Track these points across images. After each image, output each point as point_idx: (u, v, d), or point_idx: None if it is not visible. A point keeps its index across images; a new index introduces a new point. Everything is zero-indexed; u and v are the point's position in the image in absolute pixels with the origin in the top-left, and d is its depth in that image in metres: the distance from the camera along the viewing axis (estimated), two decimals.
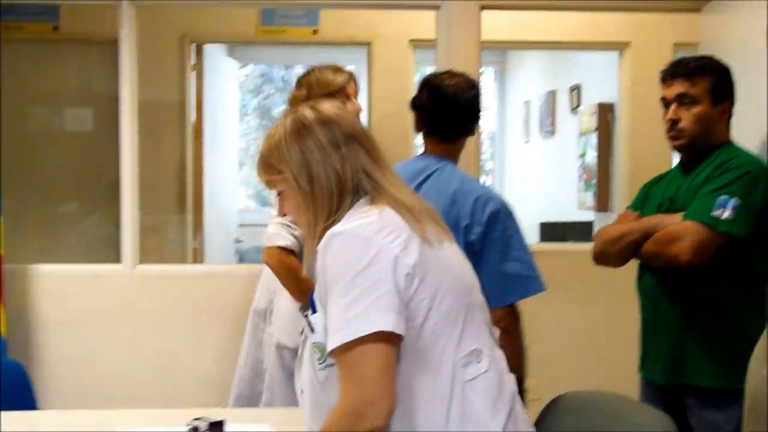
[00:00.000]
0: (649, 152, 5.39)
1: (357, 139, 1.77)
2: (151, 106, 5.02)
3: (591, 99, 6.25)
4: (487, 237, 2.51)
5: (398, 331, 1.58)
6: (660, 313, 2.67)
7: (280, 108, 9.24)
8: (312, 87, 3.08)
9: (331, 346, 1.58)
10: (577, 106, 6.56)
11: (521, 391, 2.51)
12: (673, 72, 2.66)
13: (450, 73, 2.72)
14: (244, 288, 4.18)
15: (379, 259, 1.60)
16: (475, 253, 2.46)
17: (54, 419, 2.50)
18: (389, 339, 1.57)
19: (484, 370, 1.69)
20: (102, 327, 4.12)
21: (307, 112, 1.78)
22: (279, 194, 1.82)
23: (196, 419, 1.98)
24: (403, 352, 1.62)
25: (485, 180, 8.61)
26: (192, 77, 5.59)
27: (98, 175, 5.31)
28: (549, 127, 7.19)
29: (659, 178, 2.86)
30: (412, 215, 1.71)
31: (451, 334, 1.66)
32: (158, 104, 5.40)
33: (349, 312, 1.57)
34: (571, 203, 6.61)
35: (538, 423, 2.08)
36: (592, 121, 6.10)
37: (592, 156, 6.16)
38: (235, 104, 7.13)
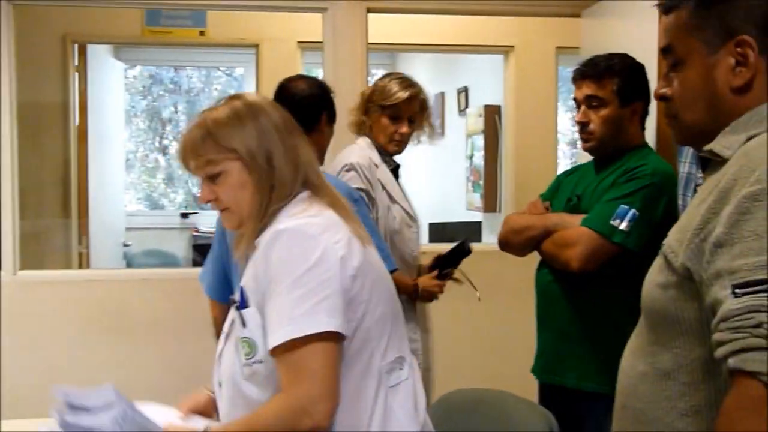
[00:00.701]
0: (534, 153, 5.55)
1: (301, 133, 1.79)
2: (32, 107, 4.87)
3: (478, 101, 6.35)
4: None
5: (344, 332, 1.58)
6: (550, 309, 2.67)
7: (169, 110, 9.08)
8: (374, 92, 3.20)
9: (275, 342, 1.56)
10: (465, 107, 6.67)
11: None
12: (582, 73, 2.62)
13: (297, 77, 2.90)
14: (131, 292, 4.11)
15: (326, 258, 1.59)
16: None
17: None
18: (335, 339, 1.57)
19: (404, 377, 1.71)
20: None
21: (253, 97, 1.79)
22: (211, 177, 1.75)
23: None
24: None
25: None
26: (75, 78, 5.44)
27: None
28: (438, 128, 7.28)
29: (574, 170, 2.85)
30: (349, 216, 1.72)
31: (380, 339, 1.67)
32: (40, 106, 5.24)
33: (296, 309, 1.55)
34: (460, 204, 6.71)
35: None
36: (479, 123, 6.21)
37: (479, 157, 6.27)
38: (122, 106, 6.99)
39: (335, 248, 1.61)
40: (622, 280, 2.49)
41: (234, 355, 1.71)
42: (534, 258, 2.76)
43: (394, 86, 3.17)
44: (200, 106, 9.05)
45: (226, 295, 2.45)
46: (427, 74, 7.78)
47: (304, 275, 1.57)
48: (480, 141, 6.22)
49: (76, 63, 5.47)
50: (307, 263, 1.58)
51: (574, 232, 2.51)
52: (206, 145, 1.72)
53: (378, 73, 8.56)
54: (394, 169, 3.31)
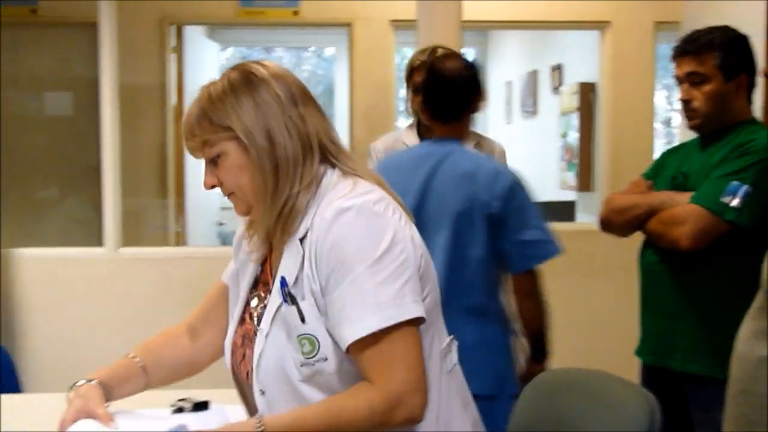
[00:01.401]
0: (631, 132, 5.42)
1: (312, 100, 1.58)
2: (131, 89, 4.99)
3: (573, 78, 6.25)
4: (506, 208, 2.59)
5: (426, 317, 1.46)
6: (656, 291, 2.61)
7: None
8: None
9: (360, 332, 1.41)
10: (559, 85, 6.56)
11: (545, 346, 2.72)
12: (682, 49, 2.53)
13: (450, 55, 2.77)
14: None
15: (400, 237, 1.46)
16: (496, 224, 2.58)
17: (37, 402, 2.50)
18: (418, 324, 1.45)
19: (455, 361, 1.62)
20: (84, 310, 4.12)
21: (252, 66, 1.56)
22: (213, 160, 1.57)
23: (180, 400, 1.97)
24: None
25: None
26: (172, 60, 5.55)
27: (78, 159, 5.28)
28: (531, 107, 7.20)
29: (678, 148, 2.77)
30: (387, 190, 1.58)
31: (437, 320, 1.58)
32: (138, 87, 5.36)
33: (382, 295, 1.41)
34: (553, 183, 6.62)
35: (520, 401, 2.09)
36: (573, 101, 6.11)
37: (573, 136, 6.17)
38: None
39: (402, 226, 1.49)
40: (732, 258, 2.44)
41: (280, 358, 1.54)
42: (630, 237, 2.70)
43: (413, 59, 3.09)
44: None
45: None
46: (520, 52, 7.71)
47: (383, 257, 1.42)
48: (574, 119, 6.12)
49: (173, 44, 5.58)
50: (384, 243, 1.43)
51: (683, 210, 2.43)
52: (201, 125, 1.54)
53: (468, 52, 8.53)
54: None
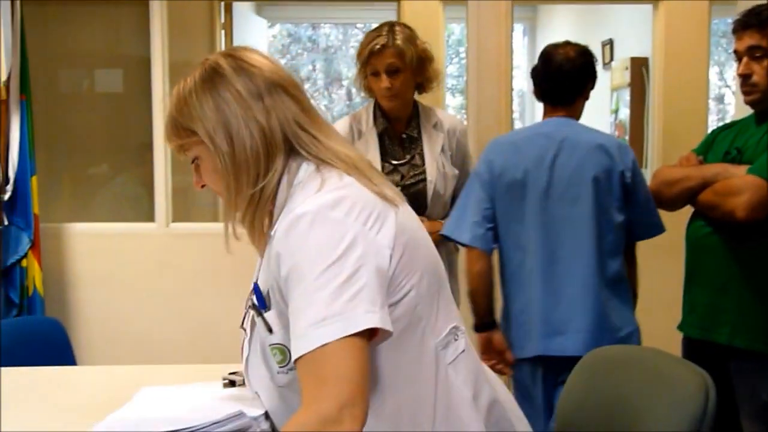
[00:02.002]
0: (684, 108, 5.33)
1: (283, 87, 1.50)
2: (181, 66, 5.01)
3: (624, 53, 6.16)
4: (635, 180, 2.74)
5: (386, 326, 1.34)
6: (706, 263, 2.59)
7: (307, 68, 9.21)
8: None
9: (303, 349, 1.30)
10: (610, 61, 6.47)
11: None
12: (744, 23, 2.50)
13: (564, 44, 2.92)
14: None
15: (355, 243, 1.35)
16: (628, 193, 2.74)
17: (91, 374, 2.54)
18: (366, 336, 1.32)
19: (462, 348, 1.53)
20: (136, 284, 4.17)
21: (221, 59, 1.53)
22: (193, 162, 1.56)
23: (232, 373, 1.99)
24: (383, 344, 1.40)
25: None
26: (221, 36, 5.57)
27: (129, 135, 5.33)
28: None
29: (730, 125, 2.75)
30: (373, 174, 1.49)
31: (430, 313, 1.48)
32: (188, 64, 5.35)
33: (327, 309, 1.30)
34: None
35: (571, 379, 2.08)
36: (625, 77, 6.03)
37: (625, 112, 6.09)
38: None
39: (364, 230, 1.37)
40: None
41: (262, 363, 1.53)
42: (676, 214, 2.72)
43: (364, 40, 3.06)
44: (337, 65, 9.15)
45: (490, 243, 2.81)
46: (569, 27, 7.61)
47: (333, 266, 1.32)
48: (626, 95, 6.03)
49: (223, 21, 5.60)
50: (336, 252, 1.33)
51: (740, 181, 2.42)
52: (174, 130, 1.53)
53: (517, 28, 8.44)
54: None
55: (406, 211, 1.51)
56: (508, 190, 2.76)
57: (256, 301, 1.49)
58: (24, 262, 3.91)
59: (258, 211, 1.49)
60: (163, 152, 4.15)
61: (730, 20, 2.78)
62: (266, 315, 1.46)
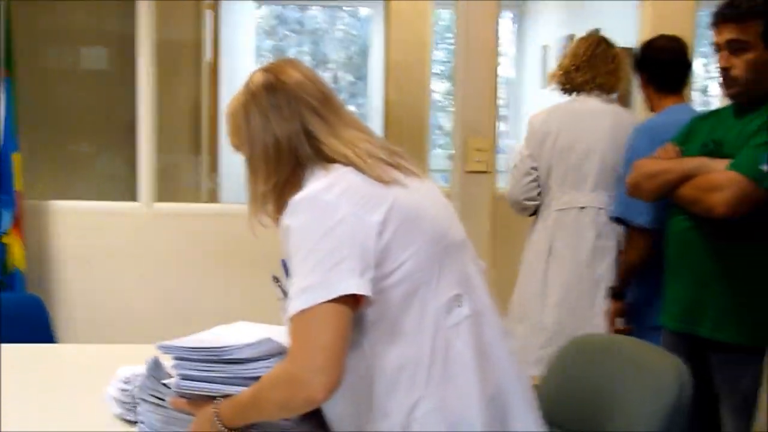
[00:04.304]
0: None
1: (303, 101, 1.71)
2: (167, 45, 4.99)
3: None
4: None
5: (362, 291, 1.50)
6: (686, 257, 2.59)
7: (294, 50, 9.18)
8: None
9: (290, 311, 1.49)
10: None
11: None
12: (723, 15, 2.48)
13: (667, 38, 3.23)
14: (258, 226, 4.21)
15: (342, 221, 1.53)
16: None
17: (72, 352, 2.54)
18: (348, 304, 1.49)
19: (466, 314, 1.63)
20: (119, 263, 4.17)
21: (256, 76, 1.75)
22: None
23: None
24: (378, 316, 1.56)
25: (500, 125, 8.55)
26: (208, 16, 5.54)
27: (113, 114, 5.30)
28: None
29: (707, 115, 2.74)
30: (365, 161, 1.64)
31: (430, 280, 1.60)
32: (174, 43, 5.36)
33: (310, 278, 1.49)
34: None
35: (550, 366, 2.10)
36: None
37: None
38: (252, 45, 7.09)
39: (351, 209, 1.55)
40: (764, 229, 2.43)
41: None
42: None
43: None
44: (324, 48, 9.15)
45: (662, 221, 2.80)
46: (558, 16, 7.61)
47: (318, 242, 1.52)
48: None
49: (209, 1, 5.57)
50: (320, 230, 1.53)
51: (722, 176, 2.40)
52: (228, 133, 1.79)
53: (505, 15, 8.43)
54: None
55: (417, 188, 1.68)
56: None
57: (283, 270, 1.67)
58: (6, 239, 3.90)
59: (273, 203, 1.70)
60: (148, 130, 4.14)
61: None
62: (283, 283, 1.67)
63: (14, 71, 4.00)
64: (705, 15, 5.70)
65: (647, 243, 2.90)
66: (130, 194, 4.31)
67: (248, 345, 1.65)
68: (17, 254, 3.92)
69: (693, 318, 2.58)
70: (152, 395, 1.74)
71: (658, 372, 1.85)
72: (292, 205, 1.58)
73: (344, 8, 8.74)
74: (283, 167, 1.69)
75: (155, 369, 1.75)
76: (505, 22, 8.52)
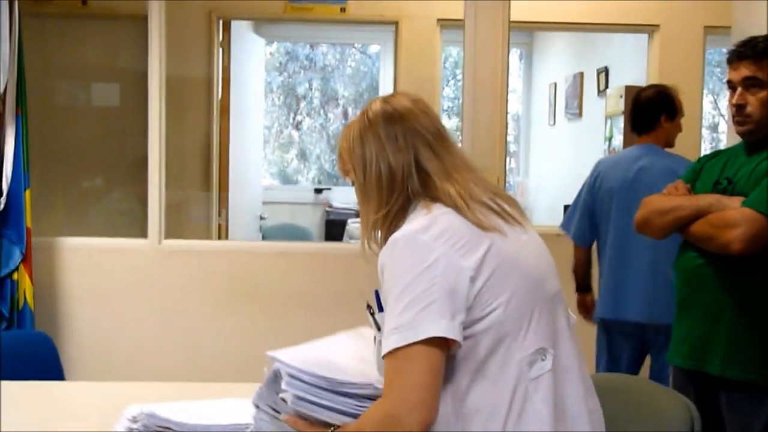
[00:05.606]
0: (678, 136, 5.34)
1: (419, 134, 1.76)
2: (178, 82, 5.03)
3: (619, 81, 6.19)
4: None
5: (451, 336, 1.54)
6: (698, 294, 2.57)
7: (303, 86, 9.22)
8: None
9: (383, 351, 1.56)
10: (605, 88, 6.50)
11: None
12: (740, 53, 2.51)
13: (650, 86, 3.84)
14: (267, 264, 4.21)
15: (436, 263, 1.57)
16: None
17: (80, 390, 2.53)
18: (439, 345, 1.53)
19: (548, 368, 1.64)
20: (127, 300, 4.16)
21: (375, 105, 1.81)
22: (352, 184, 1.85)
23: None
24: (464, 356, 1.59)
25: (509, 162, 8.56)
26: (219, 53, 5.59)
27: (124, 150, 5.34)
28: (575, 109, 7.14)
29: (717, 153, 2.74)
30: (467, 204, 1.67)
31: (518, 330, 1.62)
32: (185, 80, 5.41)
33: (402, 317, 1.54)
34: None
35: None
36: (619, 104, 6.05)
37: (618, 139, 6.11)
38: (261, 82, 7.13)
39: (447, 252, 1.58)
40: None
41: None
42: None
43: None
44: (334, 84, 9.20)
45: (588, 241, 3.74)
46: (565, 54, 7.65)
47: (411, 283, 1.56)
48: (620, 122, 6.05)
49: (221, 38, 5.62)
50: (415, 271, 1.57)
51: (736, 213, 2.40)
52: (339, 158, 1.86)
53: (513, 53, 8.48)
54: None
55: (516, 236, 1.70)
56: None
57: (376, 304, 1.73)
58: (15, 276, 3.90)
59: (384, 232, 1.74)
60: (158, 167, 4.15)
61: (724, 50, 2.79)
62: (377, 316, 1.71)
63: (26, 108, 4.03)
64: (713, 53, 5.72)
65: (579, 254, 3.76)
66: (142, 230, 4.31)
67: (369, 384, 1.67)
68: (26, 291, 3.92)
69: (703, 355, 2.56)
70: (268, 404, 1.75)
71: (668, 413, 1.83)
72: (390, 243, 1.63)
73: (354, 45, 8.80)
74: (395, 197, 1.73)
75: (273, 381, 1.73)
76: (513, 59, 8.57)
